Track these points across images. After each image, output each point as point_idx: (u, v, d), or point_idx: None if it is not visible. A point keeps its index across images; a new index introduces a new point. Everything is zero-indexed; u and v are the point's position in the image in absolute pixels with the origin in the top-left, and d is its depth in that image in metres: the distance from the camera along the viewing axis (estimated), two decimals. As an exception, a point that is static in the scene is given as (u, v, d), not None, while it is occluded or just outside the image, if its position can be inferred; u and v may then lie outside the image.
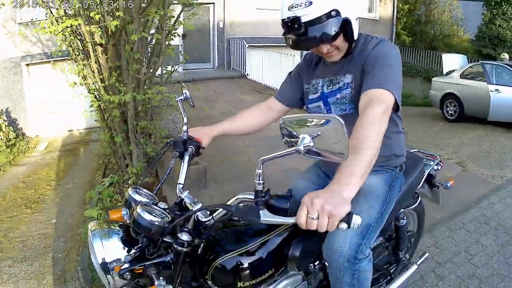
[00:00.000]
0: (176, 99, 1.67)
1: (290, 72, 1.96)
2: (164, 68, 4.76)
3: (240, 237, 1.42)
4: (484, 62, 9.37)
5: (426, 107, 11.11)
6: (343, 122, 1.02)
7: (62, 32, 3.89)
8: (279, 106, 1.94)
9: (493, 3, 14.38)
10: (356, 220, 1.03)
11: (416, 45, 16.57)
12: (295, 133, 1.11)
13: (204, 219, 1.26)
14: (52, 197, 5.45)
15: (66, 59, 5.26)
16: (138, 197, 1.36)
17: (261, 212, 1.14)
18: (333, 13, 1.42)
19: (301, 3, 1.41)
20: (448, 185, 2.46)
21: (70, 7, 3.76)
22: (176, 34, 4.23)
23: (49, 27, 3.90)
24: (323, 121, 1.07)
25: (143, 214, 1.20)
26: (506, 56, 11.25)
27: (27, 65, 9.57)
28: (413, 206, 2.12)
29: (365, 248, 1.51)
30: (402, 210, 2.03)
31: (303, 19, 1.42)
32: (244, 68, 11.70)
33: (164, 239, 1.24)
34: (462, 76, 9.57)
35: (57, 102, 8.98)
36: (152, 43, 4.34)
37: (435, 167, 2.40)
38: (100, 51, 3.98)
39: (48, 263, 3.52)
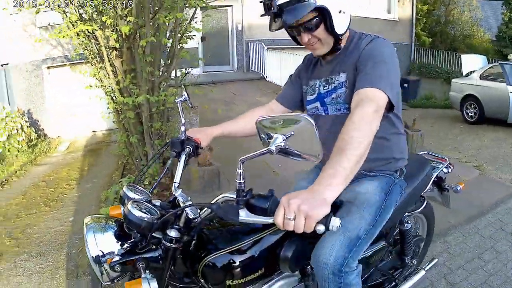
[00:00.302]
0: (176, 100, 1.70)
1: (291, 75, 1.97)
2: (179, 70, 4.82)
3: (232, 236, 1.44)
4: (503, 63, 9.15)
5: (446, 109, 10.93)
6: (313, 122, 1.05)
7: (77, 36, 3.98)
8: (281, 109, 1.94)
9: (512, 2, 14.03)
10: (335, 222, 1.03)
11: (437, 46, 16.29)
12: (269, 133, 1.15)
13: (192, 217, 1.30)
14: (71, 196, 5.58)
15: (84, 62, 5.37)
16: (131, 194, 1.39)
17: (240, 211, 1.16)
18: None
19: None
20: (458, 188, 2.41)
21: (85, 12, 3.85)
22: (191, 37, 4.27)
23: (64, 31, 4.00)
24: (294, 120, 1.11)
25: (133, 210, 1.23)
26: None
27: (48, 67, 9.81)
28: (418, 210, 2.09)
29: (352, 261, 1.48)
30: (406, 214, 2.01)
31: (278, 1, 1.44)
32: (263, 70, 11.73)
33: (155, 234, 1.27)
34: (482, 77, 9.37)
35: (77, 104, 9.12)
36: (168, 46, 4.40)
37: (445, 170, 2.37)
38: (115, 54, 4.06)
39: (62, 259, 3.60)
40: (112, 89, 4.36)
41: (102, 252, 1.28)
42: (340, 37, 1.58)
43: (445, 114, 10.76)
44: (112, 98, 4.43)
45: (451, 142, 7.48)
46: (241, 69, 12.90)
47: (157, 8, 3.87)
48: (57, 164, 7.61)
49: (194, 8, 3.99)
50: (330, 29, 1.52)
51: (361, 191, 1.62)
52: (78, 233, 4.14)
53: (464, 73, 10.26)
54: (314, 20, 1.50)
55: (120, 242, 1.31)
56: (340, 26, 1.54)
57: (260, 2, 1.53)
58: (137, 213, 1.23)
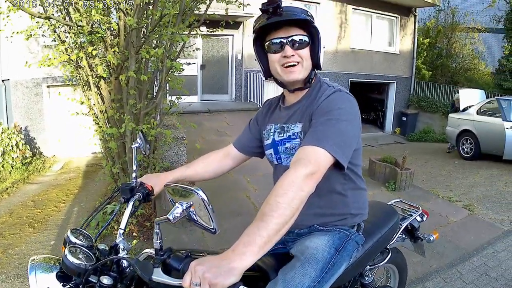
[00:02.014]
0: (132, 146, 1.70)
1: (250, 119, 1.94)
2: (170, 100, 4.85)
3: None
4: (500, 98, 9.22)
5: (444, 143, 10.94)
6: (204, 197, 1.10)
7: (67, 63, 4.04)
8: (237, 154, 1.92)
9: (513, 35, 14.11)
10: None
11: (437, 79, 16.40)
12: (173, 200, 1.23)
13: (126, 265, 1.33)
14: (56, 218, 5.55)
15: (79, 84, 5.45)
16: (73, 239, 1.40)
17: (155, 270, 1.19)
18: (308, 13, 1.49)
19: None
20: (431, 238, 2.38)
21: (74, 41, 3.92)
22: (180, 70, 4.30)
23: (54, 58, 4.05)
24: (191, 192, 1.20)
25: (68, 256, 1.26)
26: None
27: (48, 86, 9.91)
28: (382, 263, 2.05)
29: None
30: (368, 267, 1.97)
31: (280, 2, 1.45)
32: (261, 101, 11.76)
33: (91, 279, 1.28)
34: (479, 112, 9.41)
35: (75, 125, 9.20)
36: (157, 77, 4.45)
37: (418, 219, 2.35)
38: (103, 83, 4.10)
39: (38, 282, 3.59)
40: (98, 117, 4.39)
41: None
42: (315, 70, 1.59)
43: (442, 148, 10.79)
44: (100, 126, 4.45)
45: (444, 179, 7.43)
46: (239, 99, 12.95)
47: (142, 42, 3.92)
48: (48, 184, 7.61)
49: (181, 41, 4.03)
50: (316, 54, 1.52)
51: (311, 245, 1.57)
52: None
53: (461, 108, 10.29)
54: (304, 37, 1.50)
55: (62, 283, 1.32)
56: (321, 59, 1.56)
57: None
58: (72, 258, 1.25)
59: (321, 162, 1.31)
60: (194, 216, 1.26)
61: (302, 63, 1.53)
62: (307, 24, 1.51)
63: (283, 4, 1.44)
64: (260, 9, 1.48)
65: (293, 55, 1.51)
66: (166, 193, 1.39)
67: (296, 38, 1.50)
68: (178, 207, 1.18)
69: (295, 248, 1.60)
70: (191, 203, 1.20)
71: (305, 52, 1.52)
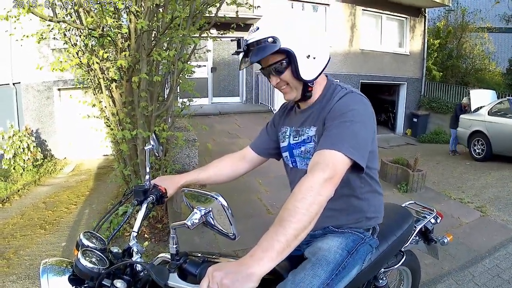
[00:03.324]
0: (145, 148, 1.70)
1: (268, 122, 1.94)
2: (183, 103, 4.87)
3: None
4: (511, 98, 9.10)
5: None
6: (224, 203, 1.09)
7: (79, 67, 4.08)
8: (254, 156, 1.90)
9: (524, 35, 14.01)
10: None
11: (448, 80, 16.25)
12: (190, 204, 1.21)
13: (140, 269, 1.32)
14: (67, 220, 5.61)
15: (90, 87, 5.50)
16: (86, 242, 1.40)
17: (171, 275, 1.19)
18: (270, 39, 1.41)
19: (253, 29, 1.47)
20: (445, 241, 2.35)
21: (85, 45, 3.95)
22: (191, 72, 4.31)
23: (65, 61, 4.09)
24: (210, 198, 1.18)
25: (81, 259, 1.25)
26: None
27: (59, 89, 10.00)
28: (396, 266, 2.03)
29: None
30: (383, 270, 1.96)
31: (247, 41, 1.46)
32: (272, 103, 11.75)
33: (104, 282, 1.27)
34: (490, 112, 9.30)
35: (86, 127, 9.27)
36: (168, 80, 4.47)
37: (432, 221, 2.32)
38: (114, 86, 4.12)
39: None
40: (109, 120, 4.42)
41: None
42: (309, 83, 1.55)
43: (453, 150, 10.68)
44: (111, 129, 4.48)
45: (455, 181, 7.36)
46: (249, 101, 12.97)
47: (153, 44, 3.94)
48: (59, 186, 7.68)
49: (192, 44, 4.04)
50: (295, 74, 1.49)
51: (323, 247, 1.56)
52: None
53: (472, 109, 10.20)
54: (281, 62, 1.48)
55: (74, 286, 1.31)
56: (307, 72, 1.50)
57: (232, 40, 1.55)
58: (85, 262, 1.25)
59: (339, 166, 1.30)
60: (212, 221, 1.24)
61: (289, 84, 1.55)
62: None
63: (253, 37, 1.45)
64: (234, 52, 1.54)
65: (278, 82, 1.54)
66: (184, 197, 1.36)
67: (275, 65, 1.50)
68: (196, 212, 1.18)
69: (308, 250, 1.60)
70: (210, 209, 1.19)
71: (287, 74, 1.51)
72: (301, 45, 1.46)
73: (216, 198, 1.17)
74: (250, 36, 1.46)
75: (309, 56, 1.48)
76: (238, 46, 1.49)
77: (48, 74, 9.18)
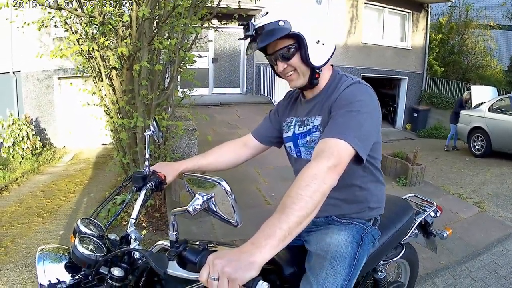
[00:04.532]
0: (145, 134, 1.68)
1: (271, 110, 1.92)
2: (182, 92, 4.85)
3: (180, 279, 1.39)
4: (512, 95, 9.10)
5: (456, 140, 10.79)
6: (227, 188, 1.06)
7: (80, 54, 4.05)
8: (255, 143, 1.88)
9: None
10: (262, 287, 0.99)
11: (449, 75, 16.18)
12: (191, 190, 1.19)
13: (138, 257, 1.29)
14: (66, 208, 5.61)
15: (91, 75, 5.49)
16: (83, 229, 1.37)
17: (170, 263, 1.16)
18: (281, 22, 1.39)
19: (261, 14, 1.45)
20: (445, 235, 2.35)
21: (85, 32, 3.92)
22: (192, 62, 4.29)
23: (66, 48, 4.06)
24: (213, 183, 1.14)
25: (78, 246, 1.22)
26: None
27: (59, 78, 9.97)
28: (395, 259, 2.03)
29: None
30: (382, 262, 1.95)
31: (255, 25, 1.45)
32: (272, 94, 11.70)
33: (101, 270, 1.25)
34: (491, 109, 9.30)
35: (86, 116, 9.27)
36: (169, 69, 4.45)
37: (432, 214, 2.32)
38: (115, 74, 4.10)
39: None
40: (109, 108, 4.40)
41: (49, 281, 1.27)
42: (317, 69, 1.52)
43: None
44: (111, 117, 4.46)
45: (454, 176, 7.37)
46: (250, 92, 12.94)
47: (155, 33, 3.91)
48: (58, 175, 7.68)
49: (193, 33, 4.00)
50: (305, 59, 1.47)
51: (333, 242, 1.56)
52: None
53: (473, 105, 10.19)
54: (290, 47, 1.46)
55: (71, 274, 1.29)
56: (317, 57, 1.48)
57: (239, 25, 1.52)
58: (82, 249, 1.22)
59: (343, 154, 1.29)
60: (214, 207, 1.20)
61: (297, 70, 1.52)
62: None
63: (262, 21, 1.44)
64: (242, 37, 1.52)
65: (285, 67, 1.52)
66: (185, 182, 1.33)
67: (282, 51, 1.48)
68: (198, 198, 1.14)
69: (314, 245, 1.59)
70: (213, 194, 1.15)
71: (295, 60, 1.49)
72: (311, 29, 1.45)
73: (220, 183, 1.14)
74: (259, 21, 1.45)
75: (318, 41, 1.47)
76: (246, 30, 1.47)
77: (49, 63, 9.18)
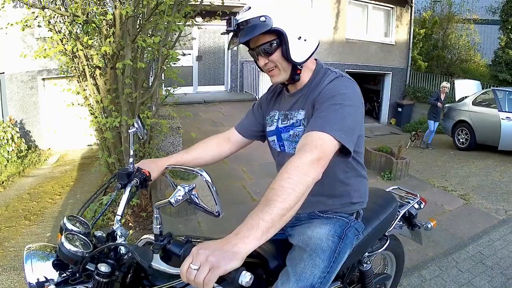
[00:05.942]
0: (129, 131, 1.67)
1: (254, 103, 1.92)
2: (167, 91, 4.83)
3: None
4: (496, 89, 9.23)
5: (439, 134, 10.88)
6: (208, 178, 1.07)
7: (64, 54, 4.01)
8: (239, 138, 1.89)
9: (510, 27, 13.97)
10: (245, 277, 0.99)
11: (433, 70, 16.33)
12: (174, 183, 1.21)
13: (124, 252, 1.30)
14: (52, 210, 5.54)
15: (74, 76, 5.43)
16: (69, 226, 1.37)
17: (155, 256, 1.17)
18: (262, 18, 1.39)
19: (245, 9, 1.44)
20: (429, 226, 2.38)
21: (69, 32, 3.89)
22: (175, 60, 4.28)
23: (49, 48, 4.02)
24: (195, 175, 1.17)
25: (64, 243, 1.23)
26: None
27: (43, 79, 9.83)
28: (380, 250, 2.05)
29: None
30: (367, 254, 1.97)
31: (237, 20, 1.44)
32: (256, 91, 11.71)
33: (88, 267, 1.26)
34: (475, 103, 9.44)
35: (70, 117, 9.17)
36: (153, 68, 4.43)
37: (416, 206, 2.34)
38: (99, 73, 4.07)
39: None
40: (93, 108, 4.37)
41: (38, 280, 1.27)
42: (298, 66, 1.53)
43: (437, 139, 10.76)
44: (95, 117, 4.43)
45: (439, 169, 7.47)
46: (234, 90, 12.93)
47: (138, 31, 3.88)
48: (44, 177, 7.59)
49: (177, 31, 3.99)
50: (286, 55, 1.47)
51: (314, 235, 1.57)
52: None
53: (457, 99, 10.30)
54: (272, 43, 1.46)
55: (58, 271, 1.29)
56: (298, 53, 1.48)
57: (222, 19, 1.51)
58: (68, 246, 1.22)
59: (327, 148, 1.29)
60: (196, 199, 1.21)
61: (278, 66, 1.52)
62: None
63: (244, 16, 1.43)
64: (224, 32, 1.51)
65: (267, 62, 1.52)
66: (167, 175, 1.33)
67: (264, 46, 1.48)
68: (180, 189, 1.15)
69: (296, 238, 1.61)
70: (194, 185, 1.17)
71: (276, 56, 1.49)
72: (293, 26, 1.45)
73: (201, 174, 1.16)
74: (241, 16, 1.44)
75: (300, 37, 1.47)
76: (229, 25, 1.46)
77: (32, 63, 9.03)
